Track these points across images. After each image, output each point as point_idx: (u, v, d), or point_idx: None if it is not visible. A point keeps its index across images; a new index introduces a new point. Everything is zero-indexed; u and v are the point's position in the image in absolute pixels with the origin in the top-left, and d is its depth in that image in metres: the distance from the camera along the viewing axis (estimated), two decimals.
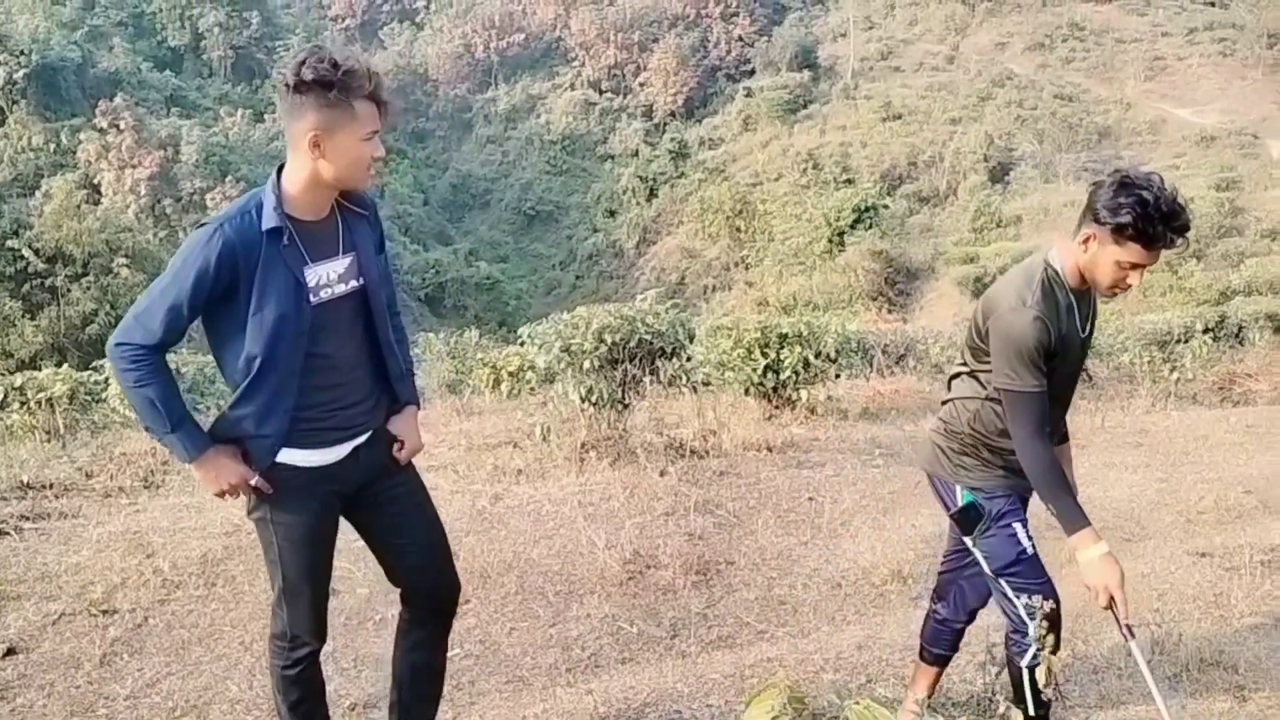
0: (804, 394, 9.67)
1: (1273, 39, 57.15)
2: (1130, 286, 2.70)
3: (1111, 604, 2.64)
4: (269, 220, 2.44)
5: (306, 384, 2.56)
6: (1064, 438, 3.10)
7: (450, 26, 76.98)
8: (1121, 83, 65.27)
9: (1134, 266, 2.62)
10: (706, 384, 9.04)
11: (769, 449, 7.81)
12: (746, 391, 9.94)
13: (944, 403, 3.09)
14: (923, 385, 11.87)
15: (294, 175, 2.50)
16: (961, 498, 2.95)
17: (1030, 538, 2.88)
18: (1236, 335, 17.34)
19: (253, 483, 2.58)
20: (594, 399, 6.39)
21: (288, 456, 2.60)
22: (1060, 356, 2.75)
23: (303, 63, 2.37)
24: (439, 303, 52.84)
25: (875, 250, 39.63)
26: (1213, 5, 74.38)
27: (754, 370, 9.71)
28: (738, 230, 54.81)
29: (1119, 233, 2.56)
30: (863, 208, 40.76)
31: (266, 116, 60.59)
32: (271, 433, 2.54)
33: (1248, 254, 29.11)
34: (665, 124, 71.60)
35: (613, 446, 6.73)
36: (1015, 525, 2.87)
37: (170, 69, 71.71)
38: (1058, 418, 2.94)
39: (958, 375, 3.02)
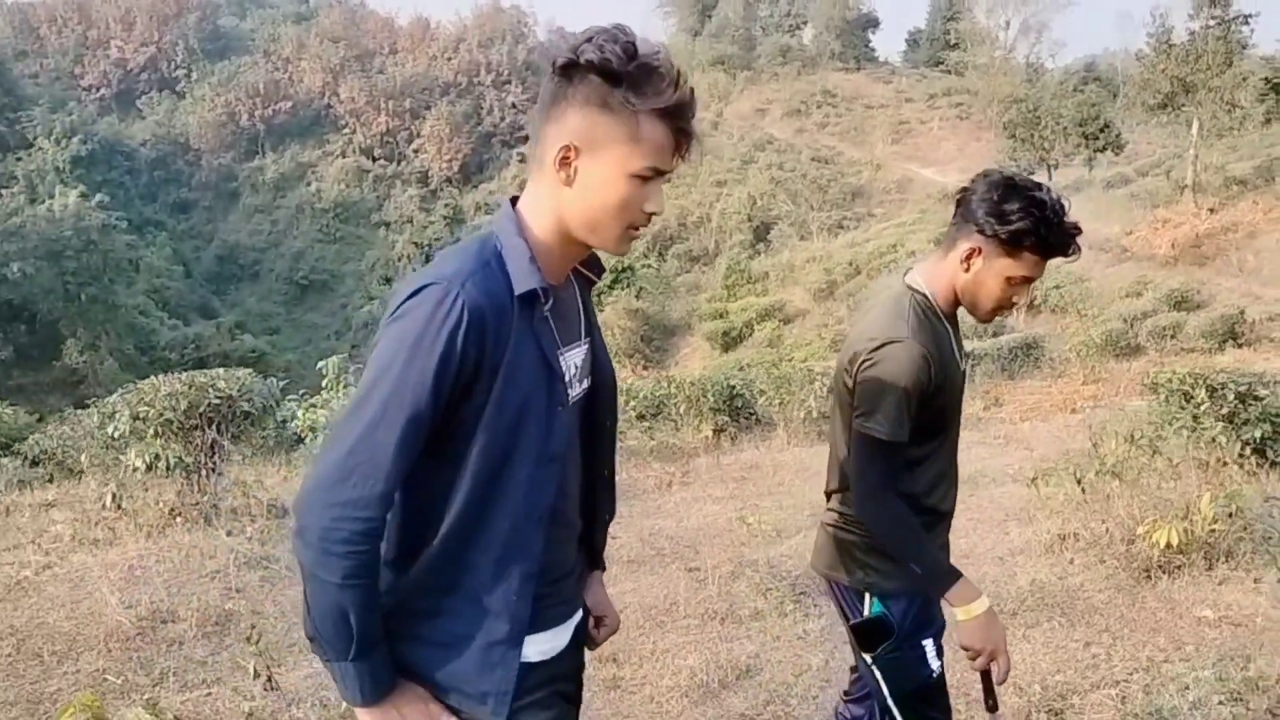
0: None
1: (1001, 104, 62.16)
2: (1014, 306, 2.32)
3: (988, 670, 2.28)
4: (523, 278, 1.57)
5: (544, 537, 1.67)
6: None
7: (213, 95, 75.18)
8: (871, 145, 69.48)
9: (1024, 280, 2.25)
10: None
11: None
12: None
13: (830, 494, 2.52)
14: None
15: (536, 210, 1.64)
16: (870, 607, 2.38)
17: (940, 654, 2.40)
18: None
19: None
20: (162, 466, 6.55)
21: (526, 649, 1.67)
22: (946, 394, 2.33)
23: (588, 40, 1.53)
24: None
25: (631, 309, 40.95)
26: (949, 73, 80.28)
27: None
28: None
29: (1014, 243, 2.19)
30: (620, 268, 42.10)
31: (4, 192, 57.09)
32: (512, 619, 1.63)
33: None
34: (440, 190, 71.95)
35: (199, 511, 6.91)
36: (926, 642, 2.38)
37: None
38: (953, 468, 2.47)
39: (845, 456, 2.41)
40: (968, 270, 2.27)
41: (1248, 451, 7.13)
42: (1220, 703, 3.66)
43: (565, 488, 1.70)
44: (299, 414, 8.47)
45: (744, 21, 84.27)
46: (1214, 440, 6.85)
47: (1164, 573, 5.40)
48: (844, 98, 77.60)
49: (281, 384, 8.03)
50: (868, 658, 2.40)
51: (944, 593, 2.21)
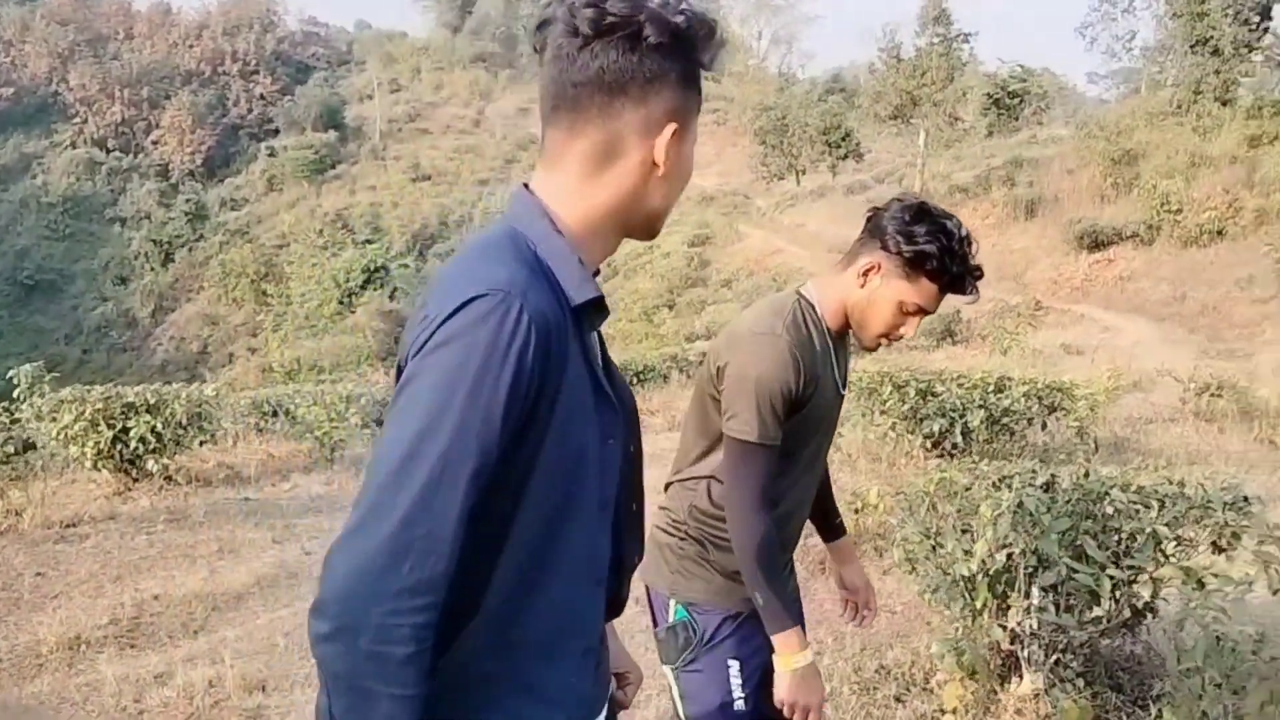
0: (152, 463, 9.46)
1: (754, 111, 64.65)
2: (902, 337, 2.24)
3: None
4: (579, 286, 1.29)
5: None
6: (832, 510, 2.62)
7: None
8: None
9: (917, 311, 2.18)
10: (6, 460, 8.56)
11: (67, 526, 7.59)
12: (95, 465, 9.58)
13: (667, 485, 2.38)
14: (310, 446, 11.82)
15: (592, 203, 1.35)
16: (673, 613, 2.27)
17: (747, 684, 2.23)
18: (665, 377, 19.35)
19: None
20: None
21: None
22: (809, 408, 2.20)
23: (666, 9, 1.28)
24: None
25: (385, 310, 39.98)
26: (707, 80, 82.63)
27: (98, 442, 9.38)
28: (264, 294, 53.09)
29: (914, 264, 2.13)
30: (372, 268, 40.96)
31: None
32: (576, 705, 1.39)
33: (709, 302, 32.60)
34: (182, 184, 68.06)
35: None
36: (732, 664, 2.24)
37: None
38: (808, 490, 2.39)
39: (688, 450, 2.33)
40: (863, 286, 2.19)
41: (928, 445, 7.58)
42: (851, 692, 3.79)
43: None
44: None
45: (505, 19, 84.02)
46: (885, 435, 7.22)
47: None
48: None
49: None
50: (668, 670, 2.27)
51: (773, 633, 2.11)
